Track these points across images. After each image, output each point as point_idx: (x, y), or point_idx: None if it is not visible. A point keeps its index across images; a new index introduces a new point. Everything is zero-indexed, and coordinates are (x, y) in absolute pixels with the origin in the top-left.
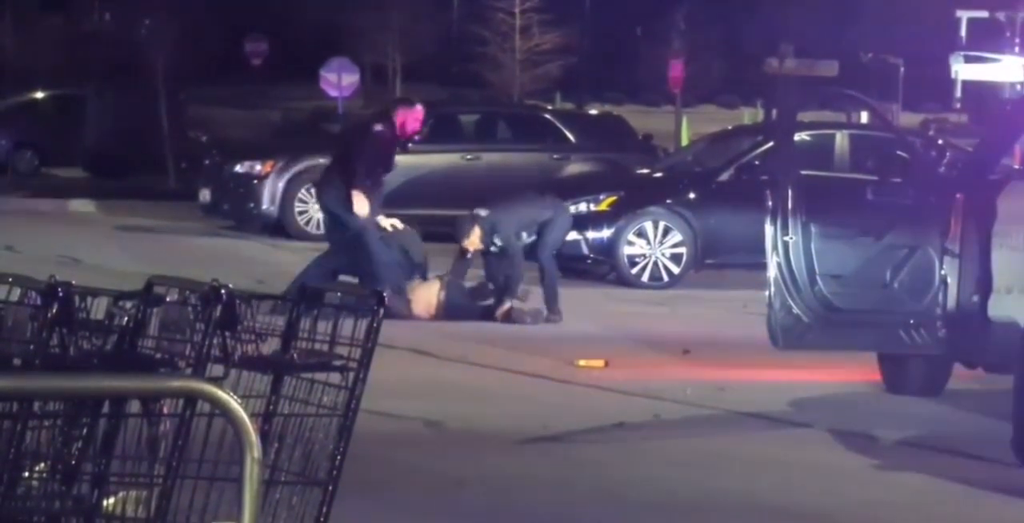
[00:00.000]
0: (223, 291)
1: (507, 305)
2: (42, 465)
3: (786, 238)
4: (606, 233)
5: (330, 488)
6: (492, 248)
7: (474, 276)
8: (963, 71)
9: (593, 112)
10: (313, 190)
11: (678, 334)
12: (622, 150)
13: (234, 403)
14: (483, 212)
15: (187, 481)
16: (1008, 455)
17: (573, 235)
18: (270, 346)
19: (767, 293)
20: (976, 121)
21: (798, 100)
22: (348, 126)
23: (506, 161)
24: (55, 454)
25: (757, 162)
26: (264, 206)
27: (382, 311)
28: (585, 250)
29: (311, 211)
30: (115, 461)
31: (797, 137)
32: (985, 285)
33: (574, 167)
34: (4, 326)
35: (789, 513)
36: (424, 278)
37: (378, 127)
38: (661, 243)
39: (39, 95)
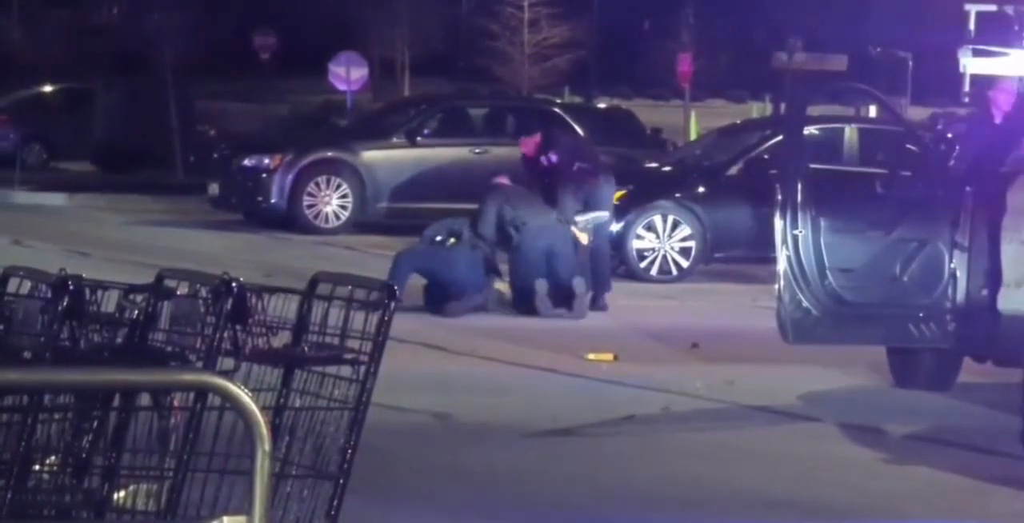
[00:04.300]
0: (234, 284)
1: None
2: (53, 458)
3: (795, 232)
4: (615, 227)
5: (341, 481)
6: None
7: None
8: (971, 65)
9: (602, 106)
10: (321, 183)
11: (687, 328)
12: (631, 144)
13: (245, 396)
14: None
15: (198, 474)
16: (1017, 448)
17: None
18: (281, 339)
19: (776, 287)
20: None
21: (807, 94)
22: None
23: (515, 155)
24: (66, 447)
25: (766, 156)
26: (273, 200)
27: (393, 304)
28: None
29: (319, 205)
30: (125, 454)
31: (806, 131)
32: (994, 279)
33: None
34: (15, 319)
35: (798, 506)
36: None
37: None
38: (670, 237)
39: (47, 89)
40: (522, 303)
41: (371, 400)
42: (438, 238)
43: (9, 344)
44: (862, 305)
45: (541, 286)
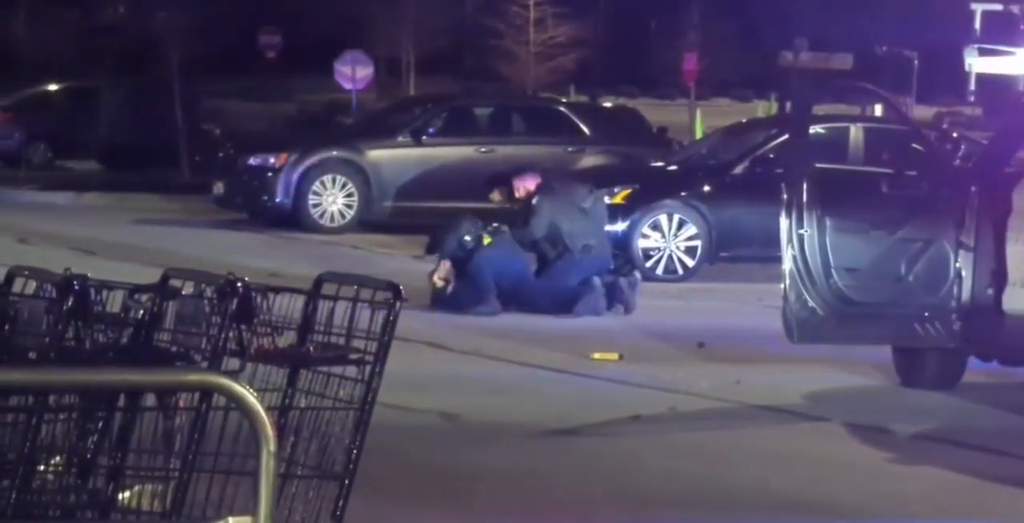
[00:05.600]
0: (239, 284)
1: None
2: (58, 458)
3: (801, 231)
4: (620, 226)
5: (346, 482)
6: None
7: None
8: (977, 64)
9: (607, 105)
10: (327, 182)
11: (693, 327)
12: (636, 143)
13: (250, 397)
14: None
15: (203, 475)
16: (1022, 448)
17: None
18: (286, 339)
19: (782, 286)
20: (990, 114)
21: (812, 93)
22: None
23: (520, 154)
24: (70, 447)
25: (772, 155)
26: (278, 199)
27: (399, 304)
28: None
29: (324, 204)
30: (131, 454)
31: (812, 130)
32: (1000, 278)
33: (588, 160)
34: (20, 319)
35: (804, 506)
36: None
37: None
38: (676, 236)
39: (53, 87)
40: (564, 305)
41: (376, 400)
42: (467, 237)
43: (14, 344)
44: (868, 305)
45: (599, 283)
